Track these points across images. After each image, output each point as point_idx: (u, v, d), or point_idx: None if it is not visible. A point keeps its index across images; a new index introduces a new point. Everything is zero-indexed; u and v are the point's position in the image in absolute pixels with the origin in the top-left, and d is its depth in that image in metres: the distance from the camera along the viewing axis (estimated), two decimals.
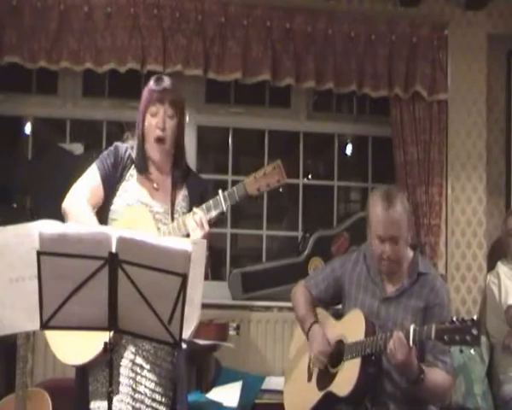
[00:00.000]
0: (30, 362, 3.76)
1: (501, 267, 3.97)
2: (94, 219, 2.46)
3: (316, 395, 2.79)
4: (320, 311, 2.96)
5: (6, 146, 4.48)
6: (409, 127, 4.28)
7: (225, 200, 2.48)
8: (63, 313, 1.97)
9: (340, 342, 2.78)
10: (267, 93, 4.61)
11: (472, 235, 4.37)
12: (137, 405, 2.37)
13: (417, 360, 2.52)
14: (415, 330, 2.46)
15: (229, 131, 4.59)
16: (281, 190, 2.61)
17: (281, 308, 4.23)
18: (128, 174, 2.57)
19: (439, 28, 4.35)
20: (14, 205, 4.39)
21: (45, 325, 1.99)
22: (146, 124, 2.54)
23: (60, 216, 2.49)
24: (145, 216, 2.48)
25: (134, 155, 2.58)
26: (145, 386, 2.40)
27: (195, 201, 2.55)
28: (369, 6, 4.37)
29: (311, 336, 2.85)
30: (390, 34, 4.29)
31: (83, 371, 2.43)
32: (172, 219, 2.52)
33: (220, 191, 2.49)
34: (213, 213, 2.47)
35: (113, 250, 1.93)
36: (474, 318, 2.36)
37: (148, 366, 2.41)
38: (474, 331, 2.32)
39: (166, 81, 2.57)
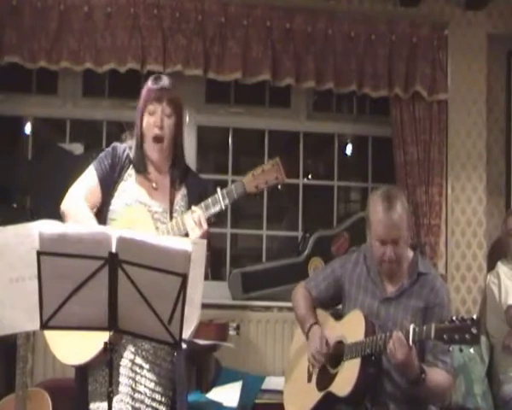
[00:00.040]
0: (30, 362, 3.77)
1: (501, 267, 3.97)
2: (93, 219, 2.46)
3: (316, 396, 2.79)
4: (320, 312, 2.96)
5: (6, 146, 4.48)
6: (409, 127, 4.28)
7: (224, 198, 2.48)
8: (63, 313, 1.97)
9: (339, 343, 2.78)
10: (267, 93, 4.61)
11: (472, 235, 4.37)
12: (137, 405, 2.37)
13: (418, 360, 2.53)
14: (414, 330, 2.46)
15: (229, 131, 4.58)
16: (279, 187, 2.59)
17: (281, 308, 4.23)
18: (126, 174, 2.57)
19: (439, 28, 4.35)
20: (14, 205, 4.39)
21: (45, 325, 1.99)
22: (144, 123, 2.54)
23: (60, 216, 2.50)
24: (144, 216, 2.48)
25: (132, 154, 2.59)
26: (145, 386, 2.40)
27: (194, 200, 2.54)
28: (369, 6, 4.37)
29: (310, 337, 2.85)
30: (390, 34, 4.29)
31: (82, 371, 2.44)
32: (171, 218, 2.52)
33: (219, 189, 2.49)
34: (212, 212, 2.47)
35: (113, 250, 1.93)
36: (474, 317, 2.36)
37: (147, 366, 2.41)
38: (474, 330, 2.32)
39: (165, 80, 2.57)
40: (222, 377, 3.76)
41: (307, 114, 4.60)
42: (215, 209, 2.47)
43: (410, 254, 2.80)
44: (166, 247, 1.92)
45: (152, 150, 2.55)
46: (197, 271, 2.17)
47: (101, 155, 2.60)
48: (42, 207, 3.85)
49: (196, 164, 4.38)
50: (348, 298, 2.88)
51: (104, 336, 2.07)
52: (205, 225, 2.41)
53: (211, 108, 4.53)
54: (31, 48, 3.99)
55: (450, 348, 2.55)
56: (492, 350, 3.91)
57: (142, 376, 2.40)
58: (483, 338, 3.80)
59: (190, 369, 3.59)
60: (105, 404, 2.19)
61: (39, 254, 1.93)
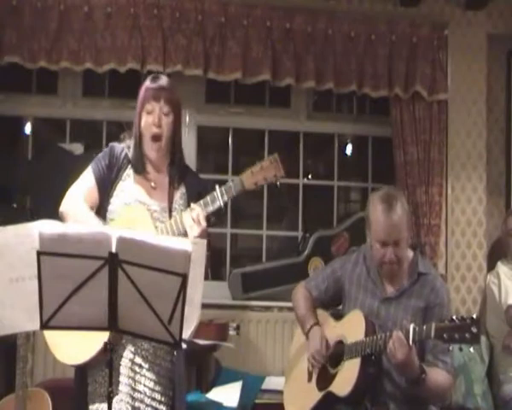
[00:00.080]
0: (30, 362, 3.76)
1: (501, 267, 3.97)
2: (94, 217, 2.47)
3: (316, 396, 2.79)
4: (320, 312, 2.96)
5: (6, 146, 4.48)
6: (409, 127, 4.28)
7: (222, 195, 2.47)
8: (63, 313, 1.97)
9: (340, 343, 2.78)
10: (267, 93, 4.61)
11: (472, 235, 4.37)
12: (137, 404, 2.37)
13: (418, 359, 2.53)
14: (414, 330, 2.46)
15: (229, 131, 4.58)
16: (278, 183, 2.58)
17: (281, 308, 4.23)
18: (125, 174, 2.57)
19: (439, 28, 4.35)
20: (14, 205, 4.39)
21: (45, 325, 1.99)
22: (142, 122, 2.55)
23: (59, 217, 2.50)
24: (143, 215, 2.48)
25: (131, 154, 2.59)
26: (144, 385, 2.40)
27: (193, 199, 2.53)
28: (369, 6, 4.36)
29: (311, 337, 2.85)
30: (390, 34, 4.29)
31: (82, 371, 2.44)
32: (170, 217, 2.52)
33: (217, 186, 2.49)
34: (211, 209, 2.46)
35: (113, 250, 1.93)
36: (474, 316, 2.36)
37: (146, 365, 2.41)
38: (474, 329, 2.32)
39: (162, 79, 2.58)
40: (222, 377, 3.76)
41: (307, 114, 4.60)
42: (214, 207, 2.47)
43: (410, 254, 2.80)
44: (166, 247, 1.92)
45: (150, 149, 2.56)
46: (197, 271, 2.17)
47: (99, 155, 2.61)
48: (42, 207, 3.85)
49: (196, 164, 4.38)
50: (348, 298, 2.88)
51: (103, 336, 2.07)
52: (203, 223, 2.41)
53: (211, 108, 4.53)
54: (31, 48, 3.99)
55: (451, 348, 2.55)
56: (492, 350, 3.90)
57: (141, 375, 2.40)
58: (483, 338, 3.80)
59: (190, 369, 3.59)
60: (104, 405, 2.19)
61: (39, 254, 1.93)
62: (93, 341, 2.25)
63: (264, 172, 2.50)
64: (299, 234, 4.58)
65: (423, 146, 4.26)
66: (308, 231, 4.51)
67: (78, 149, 4.36)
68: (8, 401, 3.08)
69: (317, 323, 2.88)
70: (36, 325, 2.01)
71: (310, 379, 2.87)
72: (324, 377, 2.79)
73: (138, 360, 2.40)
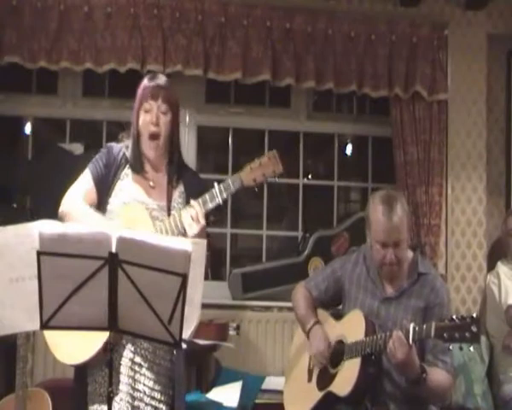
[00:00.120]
0: (30, 362, 3.76)
1: (501, 267, 3.97)
2: (94, 213, 2.46)
3: (316, 395, 2.79)
4: (320, 311, 2.97)
5: (6, 146, 4.48)
6: (409, 127, 4.28)
7: (221, 192, 2.47)
8: (63, 313, 1.97)
9: (340, 343, 2.78)
10: (267, 93, 4.61)
11: (472, 235, 4.37)
12: (136, 403, 2.37)
13: (418, 359, 2.53)
14: (414, 329, 2.46)
15: (229, 131, 4.59)
16: (277, 179, 2.57)
17: (281, 308, 4.23)
18: (123, 173, 2.57)
19: (439, 28, 4.35)
20: (14, 205, 4.39)
21: (45, 325, 1.99)
22: (140, 121, 2.54)
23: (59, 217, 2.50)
24: (142, 214, 2.47)
25: (129, 153, 2.58)
26: (144, 384, 2.40)
27: (192, 197, 2.52)
28: (369, 6, 4.37)
29: (312, 337, 2.85)
30: (390, 34, 4.29)
31: (81, 371, 2.43)
32: (169, 215, 2.51)
33: (216, 184, 2.48)
34: (210, 206, 2.46)
35: (113, 250, 1.93)
36: (474, 315, 2.36)
37: (146, 365, 2.41)
38: (474, 329, 2.32)
39: (160, 78, 2.58)
40: (222, 377, 3.76)
41: (307, 114, 4.60)
42: (213, 204, 2.46)
43: (410, 254, 2.80)
44: (166, 247, 1.92)
45: (148, 148, 2.55)
46: (197, 271, 2.17)
47: (97, 156, 2.61)
48: (42, 207, 3.85)
49: (196, 164, 4.38)
50: (348, 298, 2.88)
51: (103, 336, 2.07)
52: (202, 221, 2.41)
53: (211, 108, 4.53)
54: (31, 48, 3.99)
55: (451, 347, 2.55)
56: (492, 350, 3.90)
57: (141, 374, 2.40)
58: (483, 338, 3.80)
59: (190, 369, 3.59)
60: (104, 406, 2.19)
61: (39, 254, 1.92)
62: (93, 341, 2.25)
63: (262, 168, 2.50)
64: (299, 234, 4.58)
65: (423, 146, 4.26)
66: (308, 231, 4.51)
67: (78, 149, 4.36)
68: (8, 401, 3.07)
69: (318, 322, 2.89)
70: (36, 325, 2.00)
71: (310, 379, 2.87)
72: (324, 377, 2.79)
73: (138, 359, 2.40)
